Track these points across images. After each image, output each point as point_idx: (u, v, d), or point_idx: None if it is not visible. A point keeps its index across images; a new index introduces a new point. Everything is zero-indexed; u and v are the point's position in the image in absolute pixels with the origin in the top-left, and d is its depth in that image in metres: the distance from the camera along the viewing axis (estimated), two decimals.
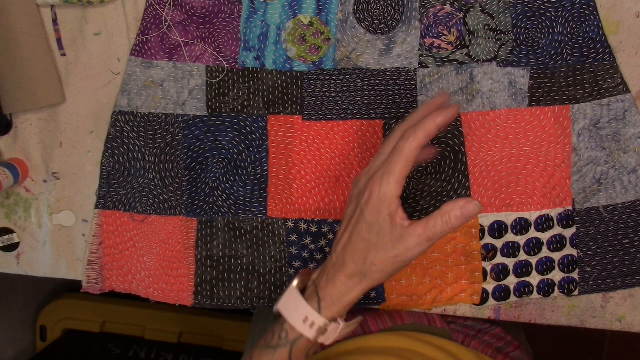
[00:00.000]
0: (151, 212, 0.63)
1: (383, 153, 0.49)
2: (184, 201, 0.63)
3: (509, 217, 0.61)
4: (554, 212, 0.60)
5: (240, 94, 0.62)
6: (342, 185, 0.62)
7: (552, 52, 0.59)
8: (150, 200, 0.63)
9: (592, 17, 0.58)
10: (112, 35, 0.62)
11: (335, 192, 0.62)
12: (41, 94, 0.62)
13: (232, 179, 0.63)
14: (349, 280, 0.49)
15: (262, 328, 0.75)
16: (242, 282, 0.63)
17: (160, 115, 0.62)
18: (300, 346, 0.50)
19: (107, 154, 0.64)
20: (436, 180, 0.61)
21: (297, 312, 0.50)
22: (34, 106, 0.63)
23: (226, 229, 0.63)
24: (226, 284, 0.63)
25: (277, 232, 0.63)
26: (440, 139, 0.61)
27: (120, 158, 0.63)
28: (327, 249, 0.62)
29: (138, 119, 0.62)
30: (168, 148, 0.63)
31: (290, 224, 0.62)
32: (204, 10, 0.60)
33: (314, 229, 0.62)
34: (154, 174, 0.63)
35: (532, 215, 0.60)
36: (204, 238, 0.63)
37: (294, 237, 0.62)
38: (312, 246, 0.62)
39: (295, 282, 0.51)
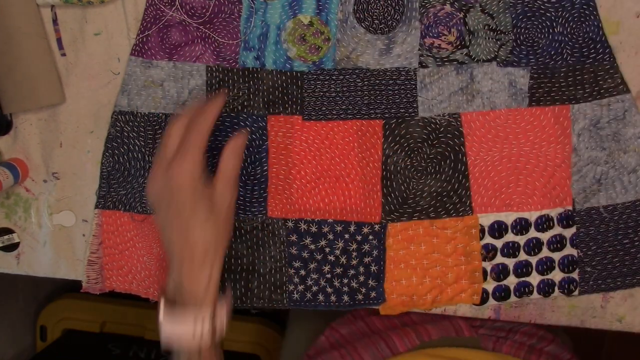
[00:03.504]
0: (151, 212, 0.63)
1: (168, 145, 0.52)
2: None
3: (509, 217, 0.61)
4: (554, 212, 0.60)
5: (240, 94, 0.62)
6: (342, 185, 0.62)
7: (552, 52, 0.59)
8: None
9: (592, 17, 0.58)
10: (112, 35, 0.62)
11: (335, 192, 0.62)
12: (41, 94, 0.62)
13: None
14: (205, 262, 0.51)
15: (297, 337, 0.75)
16: (242, 282, 0.63)
17: (161, 115, 0.62)
18: (206, 353, 0.51)
19: (107, 154, 0.64)
20: (436, 180, 0.61)
21: (184, 327, 0.49)
22: (34, 106, 0.63)
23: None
24: (226, 284, 0.63)
25: (277, 232, 0.63)
26: (440, 139, 0.61)
27: (120, 158, 0.63)
28: (327, 249, 0.62)
29: (138, 119, 0.62)
30: None
31: (290, 224, 0.62)
32: (204, 10, 0.60)
33: (314, 229, 0.62)
34: None
35: (532, 215, 0.60)
36: None
37: (294, 237, 0.62)
38: (312, 246, 0.62)
39: (161, 314, 0.51)
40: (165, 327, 0.50)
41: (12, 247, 0.68)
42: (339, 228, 0.62)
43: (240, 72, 0.61)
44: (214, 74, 0.61)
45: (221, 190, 0.52)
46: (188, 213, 0.50)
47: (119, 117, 0.63)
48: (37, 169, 0.66)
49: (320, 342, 0.70)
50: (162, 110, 0.62)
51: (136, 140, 0.63)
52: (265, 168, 0.62)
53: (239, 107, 0.62)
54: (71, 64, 0.63)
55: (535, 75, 0.59)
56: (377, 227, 0.62)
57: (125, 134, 0.63)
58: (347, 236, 0.62)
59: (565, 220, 0.60)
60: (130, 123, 0.63)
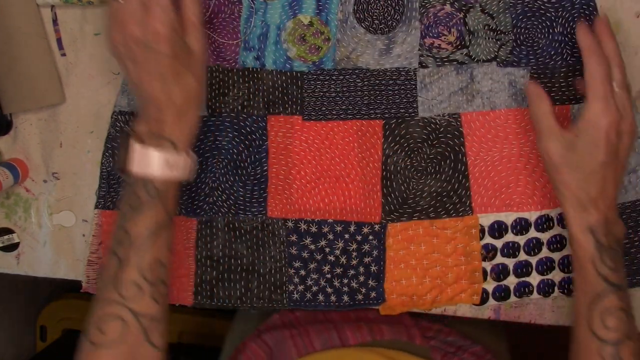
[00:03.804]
0: None
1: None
2: (183, 201, 0.63)
3: (509, 217, 0.61)
4: (554, 212, 0.60)
5: (240, 94, 0.62)
6: (342, 185, 0.62)
7: (552, 52, 0.59)
8: None
9: (592, 17, 0.58)
10: None
11: (335, 192, 0.62)
12: (41, 94, 0.62)
13: (232, 179, 0.62)
14: (188, 109, 0.52)
15: (242, 328, 0.75)
16: (242, 282, 0.63)
17: None
18: (170, 192, 0.52)
19: (107, 154, 0.64)
20: (436, 180, 0.61)
21: (157, 161, 0.50)
22: (34, 106, 0.63)
23: (226, 229, 0.63)
24: (226, 284, 0.63)
25: (277, 232, 0.63)
26: (440, 139, 0.61)
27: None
28: (327, 249, 0.62)
29: None
30: None
31: (290, 224, 0.62)
32: (204, 10, 0.60)
33: (314, 229, 0.62)
34: None
35: (532, 215, 0.60)
36: (204, 238, 0.63)
37: (293, 237, 0.62)
38: (312, 246, 0.62)
39: (135, 142, 0.51)
40: (140, 158, 0.50)
41: (12, 247, 0.68)
42: (339, 228, 0.62)
43: (240, 72, 0.61)
44: (214, 74, 0.61)
45: (191, 40, 0.53)
46: (168, 63, 0.51)
47: (119, 117, 0.63)
48: (37, 169, 0.66)
49: (273, 320, 0.70)
50: None
51: None
52: (265, 168, 0.62)
53: (239, 107, 0.62)
54: (71, 64, 0.63)
55: (535, 76, 0.59)
56: (377, 227, 0.62)
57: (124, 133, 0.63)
58: (347, 236, 0.62)
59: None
60: (130, 123, 0.62)
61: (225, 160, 0.62)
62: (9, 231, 0.68)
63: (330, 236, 0.62)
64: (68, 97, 0.64)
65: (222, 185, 0.63)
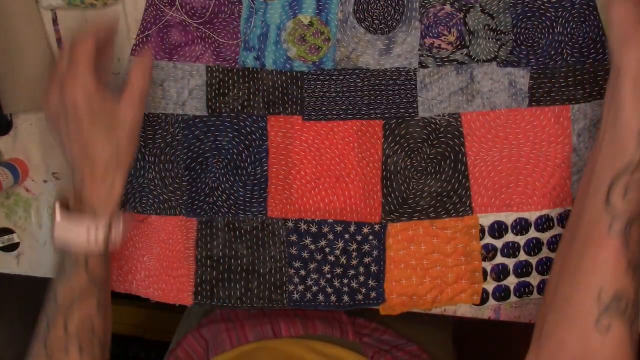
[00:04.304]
0: (151, 212, 0.63)
1: (60, 65, 0.53)
2: (183, 201, 0.63)
3: (508, 217, 0.61)
4: (554, 212, 0.60)
5: (240, 94, 0.62)
6: (342, 185, 0.62)
7: (552, 52, 0.59)
8: (150, 200, 0.63)
9: (592, 17, 0.58)
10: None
11: (335, 192, 0.62)
12: (41, 94, 0.62)
13: (231, 179, 0.62)
14: (107, 174, 0.53)
15: (187, 323, 0.77)
16: (242, 282, 0.63)
17: (160, 115, 0.62)
18: (93, 259, 0.53)
19: None
20: (436, 180, 0.61)
21: (78, 231, 0.52)
22: (34, 106, 0.63)
23: (226, 229, 0.63)
24: (226, 284, 0.63)
25: (277, 233, 0.63)
26: (440, 139, 0.61)
27: None
28: (327, 249, 0.62)
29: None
30: (168, 148, 0.62)
31: (290, 224, 0.62)
32: (204, 10, 0.60)
33: (314, 229, 0.62)
34: (153, 173, 0.63)
35: (532, 215, 0.60)
36: (204, 238, 0.63)
37: (294, 237, 0.62)
38: (312, 246, 0.62)
39: (57, 212, 0.52)
40: (59, 229, 0.52)
41: (12, 247, 0.68)
42: (339, 228, 0.62)
43: (240, 72, 0.61)
44: (214, 74, 0.61)
45: (124, 106, 0.53)
46: (87, 128, 0.52)
47: None
48: (37, 169, 0.66)
49: (214, 315, 0.72)
50: (162, 110, 0.62)
51: None
52: (265, 168, 0.62)
53: (239, 107, 0.62)
54: None
55: (535, 76, 0.59)
56: (377, 227, 0.62)
57: None
58: (347, 236, 0.62)
59: (566, 220, 0.60)
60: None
61: (225, 160, 0.62)
62: (9, 231, 0.68)
63: (330, 236, 0.62)
64: None
65: (222, 185, 0.63)
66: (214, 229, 0.63)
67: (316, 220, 0.62)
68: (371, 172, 0.61)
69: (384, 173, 0.61)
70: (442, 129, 0.60)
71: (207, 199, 0.63)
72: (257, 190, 0.62)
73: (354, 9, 0.60)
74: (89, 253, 0.53)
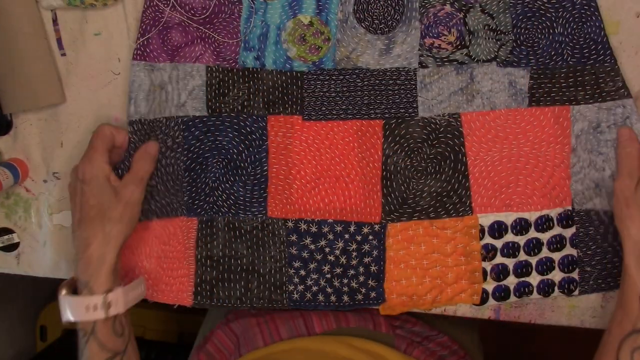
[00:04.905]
0: (153, 216, 0.62)
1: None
2: (184, 201, 0.63)
3: (508, 217, 0.61)
4: (553, 212, 0.60)
5: (240, 94, 0.62)
6: (342, 185, 0.62)
7: (552, 53, 0.59)
8: (153, 206, 0.62)
9: (594, 18, 0.58)
10: (112, 36, 0.62)
11: (335, 192, 0.62)
12: (41, 94, 0.62)
13: (232, 179, 0.62)
14: (99, 248, 0.55)
15: (214, 315, 0.77)
16: (242, 282, 0.63)
17: (162, 119, 0.61)
18: (100, 330, 0.55)
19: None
20: (436, 180, 0.61)
21: (78, 308, 0.54)
22: (34, 106, 0.63)
23: (226, 228, 0.63)
24: (226, 284, 0.63)
25: (277, 232, 0.63)
26: (440, 139, 0.61)
27: (121, 164, 0.60)
28: (327, 249, 0.62)
29: (145, 127, 0.61)
30: (169, 152, 0.62)
31: (290, 224, 0.62)
32: (204, 11, 0.60)
33: (314, 229, 0.62)
34: (156, 179, 0.61)
35: (532, 216, 0.60)
36: (204, 238, 0.63)
37: (293, 237, 0.62)
38: (312, 246, 0.62)
39: (63, 291, 0.56)
40: (63, 311, 0.55)
41: (12, 247, 0.68)
42: (339, 228, 0.62)
43: (240, 72, 0.61)
44: (214, 74, 0.61)
45: (126, 185, 0.57)
46: (87, 209, 0.56)
47: (130, 127, 0.60)
48: (37, 169, 0.66)
49: (242, 309, 0.70)
50: (164, 114, 0.62)
51: (137, 144, 0.60)
52: (265, 168, 0.62)
53: (239, 107, 0.62)
54: (71, 64, 0.63)
55: (535, 76, 0.59)
56: (377, 227, 0.62)
57: (132, 144, 0.60)
58: (347, 236, 0.62)
59: (565, 220, 0.60)
60: (138, 132, 0.60)
61: (226, 160, 0.62)
62: (9, 231, 0.68)
63: (330, 236, 0.62)
64: (68, 97, 0.64)
65: (222, 185, 0.63)
66: (214, 228, 0.63)
67: (316, 220, 0.62)
68: (371, 172, 0.61)
69: (384, 173, 0.61)
70: (442, 129, 0.60)
71: (207, 198, 0.63)
72: (257, 190, 0.62)
73: (354, 9, 0.60)
74: (96, 326, 0.55)
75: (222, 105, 0.62)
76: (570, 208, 0.60)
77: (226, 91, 0.62)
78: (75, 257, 0.57)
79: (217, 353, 0.67)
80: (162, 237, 0.63)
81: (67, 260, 0.67)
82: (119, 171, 0.59)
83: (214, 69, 0.61)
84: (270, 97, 0.62)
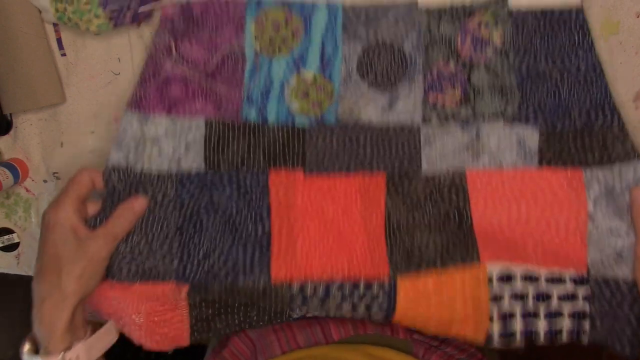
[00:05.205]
0: (135, 279, 0.57)
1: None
2: (174, 267, 0.58)
3: (517, 269, 0.58)
4: (566, 274, 0.57)
5: (240, 149, 0.59)
6: (346, 240, 0.59)
7: (560, 113, 0.56)
8: (133, 268, 0.57)
9: (599, 82, 0.55)
10: (112, 35, 0.62)
11: (341, 248, 0.59)
12: (41, 94, 0.62)
13: (230, 240, 0.59)
14: (52, 307, 0.52)
15: None
16: (241, 314, 0.60)
17: (153, 172, 0.58)
18: None
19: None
20: (441, 237, 0.58)
21: None
22: (34, 106, 0.63)
23: (223, 295, 0.59)
24: (223, 317, 0.60)
25: (280, 298, 0.58)
26: (444, 196, 0.58)
27: (100, 220, 0.57)
28: (334, 309, 0.59)
29: (131, 177, 0.58)
30: (157, 207, 0.58)
31: (295, 289, 0.58)
32: (206, 65, 0.58)
33: (321, 293, 0.58)
34: (139, 237, 0.57)
35: (542, 272, 0.57)
36: (197, 297, 0.59)
37: (298, 302, 0.58)
38: (319, 308, 0.58)
39: (26, 346, 0.55)
40: None
41: (12, 247, 0.68)
42: (347, 290, 0.58)
43: (241, 127, 0.59)
44: (214, 128, 0.59)
45: (95, 238, 0.54)
46: (45, 262, 0.52)
47: (112, 173, 0.57)
48: (37, 169, 0.66)
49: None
50: (156, 167, 0.58)
51: (120, 195, 0.57)
52: (268, 226, 0.59)
53: (239, 162, 0.59)
54: (71, 64, 0.63)
55: (544, 136, 0.56)
56: (386, 286, 0.58)
57: (117, 192, 0.57)
58: (355, 299, 0.58)
59: (579, 282, 0.57)
60: (123, 181, 0.57)
61: (223, 219, 0.59)
62: (9, 231, 0.68)
63: (338, 299, 0.58)
64: (68, 97, 0.64)
65: (219, 248, 0.58)
66: (209, 294, 0.59)
67: (322, 283, 0.58)
68: (375, 226, 0.59)
69: (388, 227, 0.58)
70: (446, 187, 0.58)
71: (201, 263, 0.58)
72: (259, 251, 0.58)
73: (358, 65, 0.58)
74: None
75: (221, 160, 0.59)
76: (585, 275, 0.57)
77: (225, 146, 0.59)
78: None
79: (233, 359, 0.66)
80: (149, 296, 0.58)
81: None
82: (97, 220, 0.56)
83: (213, 123, 0.59)
84: (271, 151, 0.59)
